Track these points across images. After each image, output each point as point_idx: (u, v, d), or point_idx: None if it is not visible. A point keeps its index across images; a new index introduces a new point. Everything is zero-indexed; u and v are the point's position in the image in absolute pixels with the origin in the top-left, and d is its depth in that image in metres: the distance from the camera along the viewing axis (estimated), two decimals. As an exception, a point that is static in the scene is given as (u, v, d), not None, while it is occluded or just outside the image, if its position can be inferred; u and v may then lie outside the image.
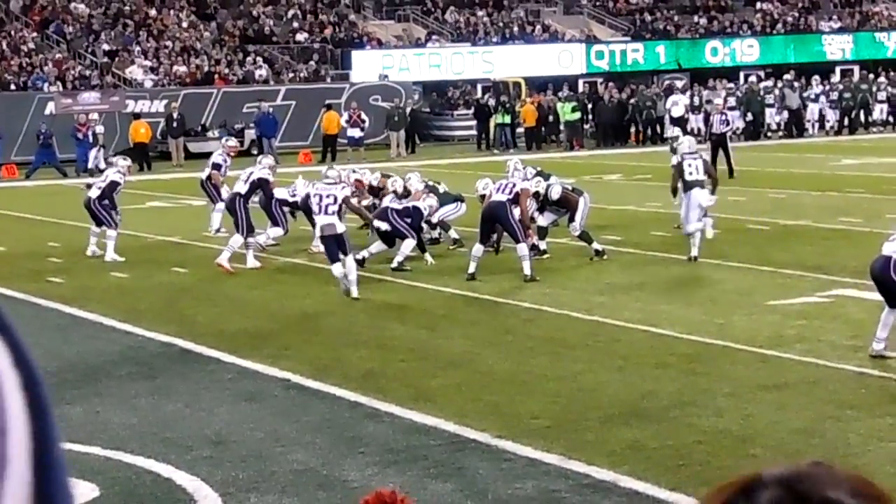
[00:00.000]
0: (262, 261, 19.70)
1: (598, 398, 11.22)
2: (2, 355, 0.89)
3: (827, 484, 1.19)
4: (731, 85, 45.43)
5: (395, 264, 18.25)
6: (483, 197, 18.46)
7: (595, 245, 18.68)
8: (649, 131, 43.12)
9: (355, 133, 40.76)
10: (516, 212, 17.51)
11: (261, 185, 19.54)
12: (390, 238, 18.70)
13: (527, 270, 17.14)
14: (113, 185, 20.82)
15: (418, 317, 15.26)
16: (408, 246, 18.46)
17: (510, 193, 17.65)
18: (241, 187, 19.42)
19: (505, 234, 18.37)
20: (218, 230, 22.32)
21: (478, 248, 17.55)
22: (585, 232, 18.78)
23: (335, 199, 16.64)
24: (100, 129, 38.40)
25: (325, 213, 16.58)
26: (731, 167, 30.11)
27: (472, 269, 17.37)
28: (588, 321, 14.57)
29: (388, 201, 18.98)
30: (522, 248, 17.27)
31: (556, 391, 11.55)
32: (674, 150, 22.56)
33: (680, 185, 19.02)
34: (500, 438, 10.05)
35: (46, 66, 43.19)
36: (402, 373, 12.45)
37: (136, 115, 40.67)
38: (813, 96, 45.10)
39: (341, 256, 16.43)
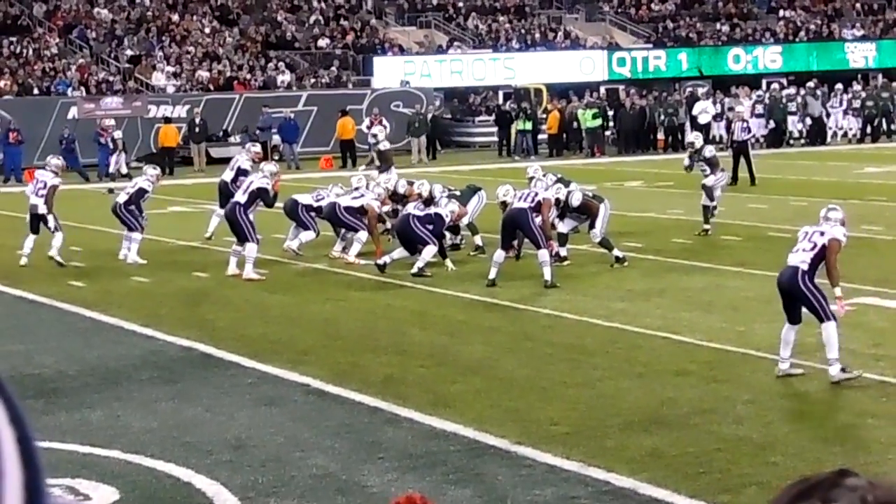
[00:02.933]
0: (280, 266, 19.72)
1: (618, 405, 11.20)
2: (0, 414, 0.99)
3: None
4: (760, 92, 45.33)
5: (415, 270, 18.26)
6: (504, 204, 18.44)
7: (616, 252, 18.66)
8: (671, 138, 43.05)
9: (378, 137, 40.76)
10: (538, 219, 17.52)
11: (260, 195, 19.28)
12: (412, 244, 18.70)
13: (547, 276, 17.13)
14: (141, 192, 20.97)
15: (438, 323, 15.26)
16: (429, 252, 18.46)
17: (532, 202, 17.67)
18: (241, 197, 19.20)
19: (526, 240, 18.38)
20: (210, 237, 22.30)
21: (499, 254, 17.55)
22: (606, 238, 18.76)
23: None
24: (118, 134, 38.48)
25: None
26: (753, 175, 30.06)
27: (492, 274, 17.37)
28: (608, 328, 14.55)
29: (410, 208, 18.99)
30: (543, 255, 17.26)
31: (576, 398, 11.53)
32: (692, 162, 22.67)
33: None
34: (520, 445, 10.04)
35: (69, 72, 43.36)
36: (421, 378, 12.45)
37: (167, 120, 40.77)
38: (835, 104, 44.97)
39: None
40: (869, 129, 44.53)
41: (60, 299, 17.32)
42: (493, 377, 12.48)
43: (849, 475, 1.87)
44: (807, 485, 1.27)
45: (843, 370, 11.63)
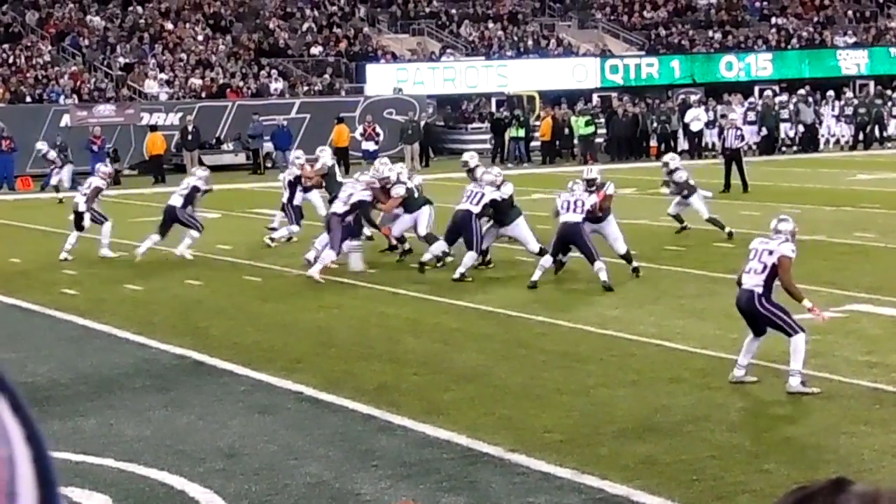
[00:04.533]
0: (273, 274, 19.73)
1: (612, 412, 11.20)
2: (15, 431, 0.98)
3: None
4: (752, 99, 45.41)
5: (457, 275, 18.47)
6: (557, 213, 18.35)
7: (633, 263, 18.59)
8: (664, 146, 43.10)
9: (370, 146, 40.82)
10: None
11: (360, 207, 19.65)
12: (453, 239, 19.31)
13: (604, 277, 17.34)
14: (195, 191, 21.56)
15: (431, 330, 15.26)
16: (470, 258, 18.67)
17: (582, 211, 17.81)
18: (340, 207, 19.33)
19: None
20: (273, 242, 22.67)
21: (547, 259, 17.87)
22: (627, 252, 18.67)
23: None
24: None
25: None
26: (745, 182, 30.11)
27: (536, 276, 17.69)
28: (602, 335, 14.56)
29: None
30: (599, 265, 17.50)
31: (570, 405, 11.53)
32: (667, 183, 22.72)
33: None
34: (513, 452, 10.04)
35: (62, 79, 43.33)
36: (415, 386, 12.44)
37: (153, 128, 40.76)
38: (828, 111, 45.05)
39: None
40: (861, 137, 44.61)
41: (53, 307, 17.30)
42: (486, 385, 12.47)
43: (847, 483, 1.87)
44: (805, 493, 1.27)
45: (802, 384, 11.59)
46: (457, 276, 18.50)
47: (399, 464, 9.92)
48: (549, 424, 10.86)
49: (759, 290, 11.84)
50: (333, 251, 19.20)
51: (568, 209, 17.92)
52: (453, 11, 53.05)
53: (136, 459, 10.17)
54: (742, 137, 32.07)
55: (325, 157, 23.61)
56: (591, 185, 18.59)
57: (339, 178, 22.96)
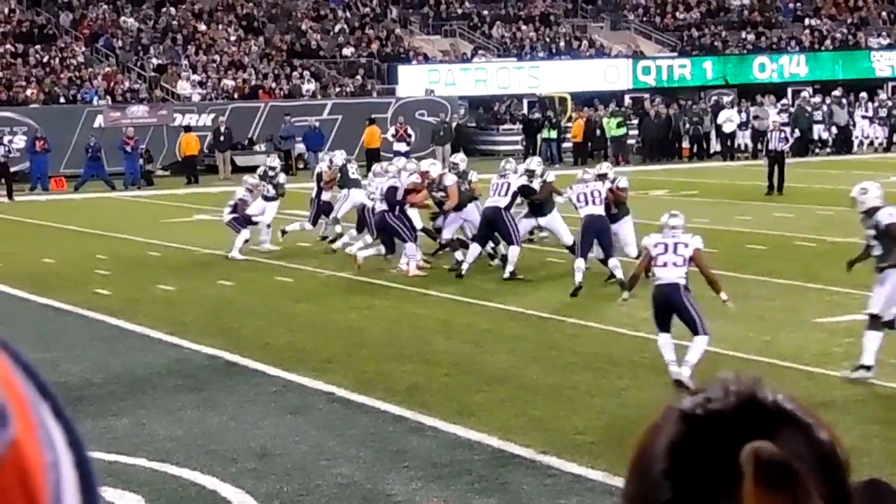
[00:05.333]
0: (305, 274, 19.77)
1: (645, 414, 11.15)
2: (58, 436, 1.00)
3: (771, 388, 1.24)
4: (785, 101, 45.23)
5: (507, 275, 18.51)
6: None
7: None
8: (696, 147, 43.00)
9: (401, 147, 40.84)
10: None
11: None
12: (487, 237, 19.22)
13: (619, 274, 17.32)
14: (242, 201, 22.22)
15: (462, 331, 15.25)
16: (514, 253, 18.63)
17: (601, 202, 17.81)
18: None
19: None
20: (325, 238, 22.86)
21: (580, 262, 17.53)
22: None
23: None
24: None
25: None
26: (782, 184, 29.95)
27: (578, 279, 17.31)
28: (634, 337, 14.51)
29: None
30: (614, 261, 17.65)
31: (602, 407, 11.51)
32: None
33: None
34: (545, 454, 10.02)
35: (95, 80, 43.56)
36: (446, 387, 12.44)
37: (188, 129, 40.92)
38: (861, 113, 44.81)
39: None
40: (895, 138, 44.35)
41: (86, 307, 17.38)
42: (517, 386, 12.46)
43: (881, 484, 1.86)
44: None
45: (690, 377, 11.83)
46: (507, 275, 18.47)
47: (430, 464, 9.92)
48: (581, 426, 10.84)
49: (683, 282, 12.21)
50: (411, 244, 19.25)
51: (587, 202, 17.84)
52: (485, 13, 53.03)
53: (168, 459, 10.21)
54: (787, 139, 31.95)
55: (337, 157, 23.54)
56: (601, 179, 18.47)
57: (352, 175, 22.87)
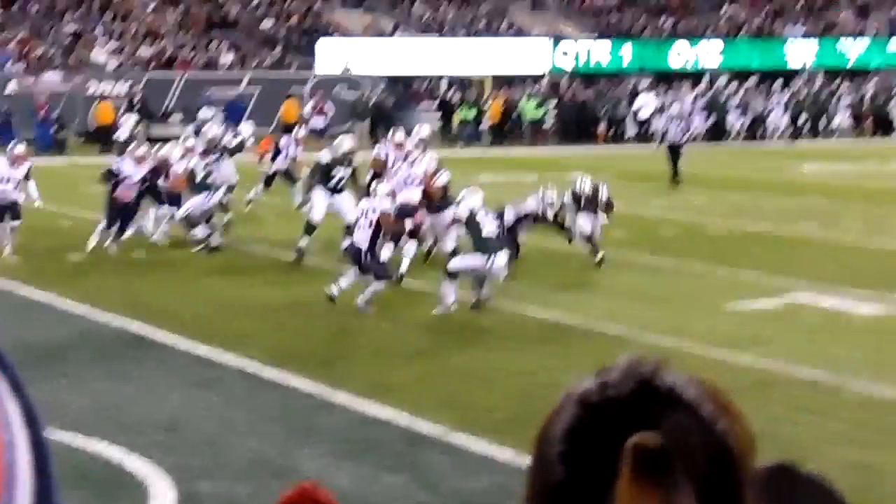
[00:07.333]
0: (225, 248, 19.64)
1: (556, 394, 11.22)
2: (14, 414, 0.96)
3: (671, 373, 1.26)
4: (702, 87, 45.64)
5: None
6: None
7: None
8: (612, 131, 43.29)
9: (318, 123, 40.65)
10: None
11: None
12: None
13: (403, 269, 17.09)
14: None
15: (379, 310, 15.23)
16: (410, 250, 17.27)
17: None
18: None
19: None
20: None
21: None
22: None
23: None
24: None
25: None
26: (677, 173, 29.46)
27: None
28: (546, 318, 14.59)
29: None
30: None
31: (514, 386, 11.55)
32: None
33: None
34: (456, 432, 10.06)
35: (9, 46, 42.82)
36: (360, 364, 12.43)
37: (104, 97, 40.35)
38: (775, 101, 45.37)
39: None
40: (807, 127, 44.97)
41: (-5, 275, 17.12)
42: (431, 365, 12.48)
43: (791, 469, 1.89)
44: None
45: (367, 303, 14.54)
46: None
47: (341, 441, 9.92)
48: (493, 405, 10.88)
49: (366, 245, 14.65)
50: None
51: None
52: (406, -10, 52.88)
53: (76, 430, 10.10)
54: (686, 130, 32.09)
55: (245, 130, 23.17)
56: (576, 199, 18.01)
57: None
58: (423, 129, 20.90)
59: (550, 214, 17.70)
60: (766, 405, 10.93)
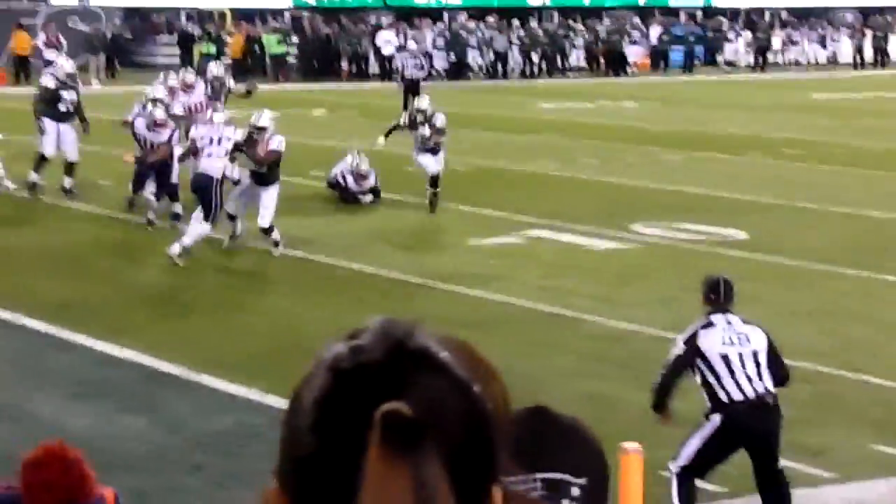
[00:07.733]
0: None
1: (301, 334, 11.21)
2: None
3: (424, 335, 1.24)
4: (442, 25, 45.92)
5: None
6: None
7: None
8: (355, 67, 43.24)
9: (52, 55, 39.26)
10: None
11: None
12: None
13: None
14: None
15: (118, 247, 14.88)
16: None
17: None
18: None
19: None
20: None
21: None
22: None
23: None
24: None
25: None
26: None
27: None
28: (290, 256, 14.48)
29: None
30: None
31: (257, 326, 11.49)
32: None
33: None
34: (198, 373, 9.94)
35: None
36: (99, 305, 12.15)
37: None
38: (514, 40, 46.07)
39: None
40: (545, 66, 45.86)
41: None
42: (172, 305, 12.31)
43: (545, 412, 1.92)
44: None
45: (181, 253, 13.47)
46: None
47: (77, 383, 9.69)
48: (237, 346, 10.79)
49: (218, 175, 13.91)
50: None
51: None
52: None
53: None
54: (422, 66, 32.31)
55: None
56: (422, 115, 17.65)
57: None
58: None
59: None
60: (505, 340, 11.16)
